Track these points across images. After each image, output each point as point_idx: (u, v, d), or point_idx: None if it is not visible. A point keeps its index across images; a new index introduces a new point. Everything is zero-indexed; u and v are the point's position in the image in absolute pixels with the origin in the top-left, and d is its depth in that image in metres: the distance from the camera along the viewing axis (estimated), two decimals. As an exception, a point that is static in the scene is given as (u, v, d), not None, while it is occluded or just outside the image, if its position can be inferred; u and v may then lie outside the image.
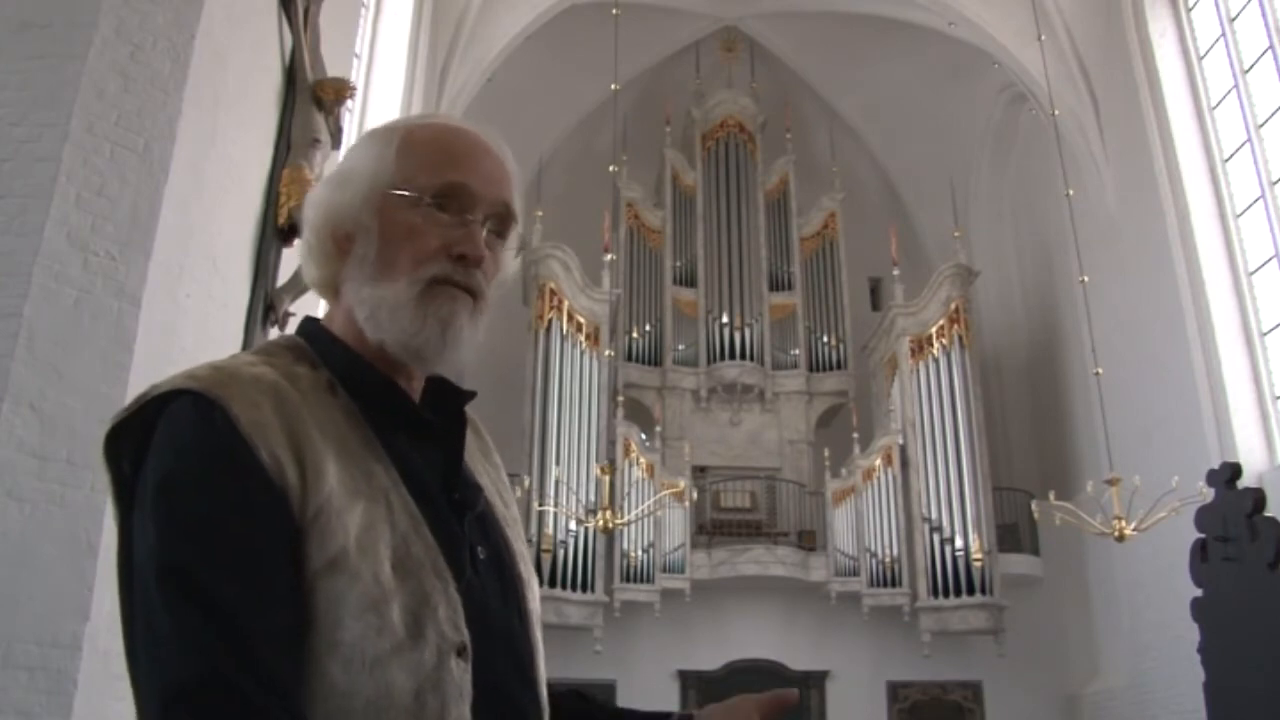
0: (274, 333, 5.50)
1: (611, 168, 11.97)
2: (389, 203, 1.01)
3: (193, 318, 4.71)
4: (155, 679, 0.82)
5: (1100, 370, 9.62)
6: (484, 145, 1.05)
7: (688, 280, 14.48)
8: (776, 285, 14.60)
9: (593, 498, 11.09)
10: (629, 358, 13.85)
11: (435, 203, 1.00)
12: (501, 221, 1.05)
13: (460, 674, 0.91)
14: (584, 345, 12.93)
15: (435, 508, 0.98)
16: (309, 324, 1.06)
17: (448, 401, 1.08)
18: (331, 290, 1.05)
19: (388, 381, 1.02)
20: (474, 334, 1.02)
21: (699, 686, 12.13)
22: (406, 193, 1.00)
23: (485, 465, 1.15)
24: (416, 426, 1.02)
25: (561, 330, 12.83)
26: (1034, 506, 10.90)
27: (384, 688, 0.86)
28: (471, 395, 1.10)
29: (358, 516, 0.90)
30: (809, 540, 12.82)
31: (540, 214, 12.99)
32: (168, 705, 0.80)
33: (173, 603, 0.82)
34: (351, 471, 0.92)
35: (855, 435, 13.26)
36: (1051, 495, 9.82)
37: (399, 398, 1.02)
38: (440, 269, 1.00)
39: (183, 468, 0.86)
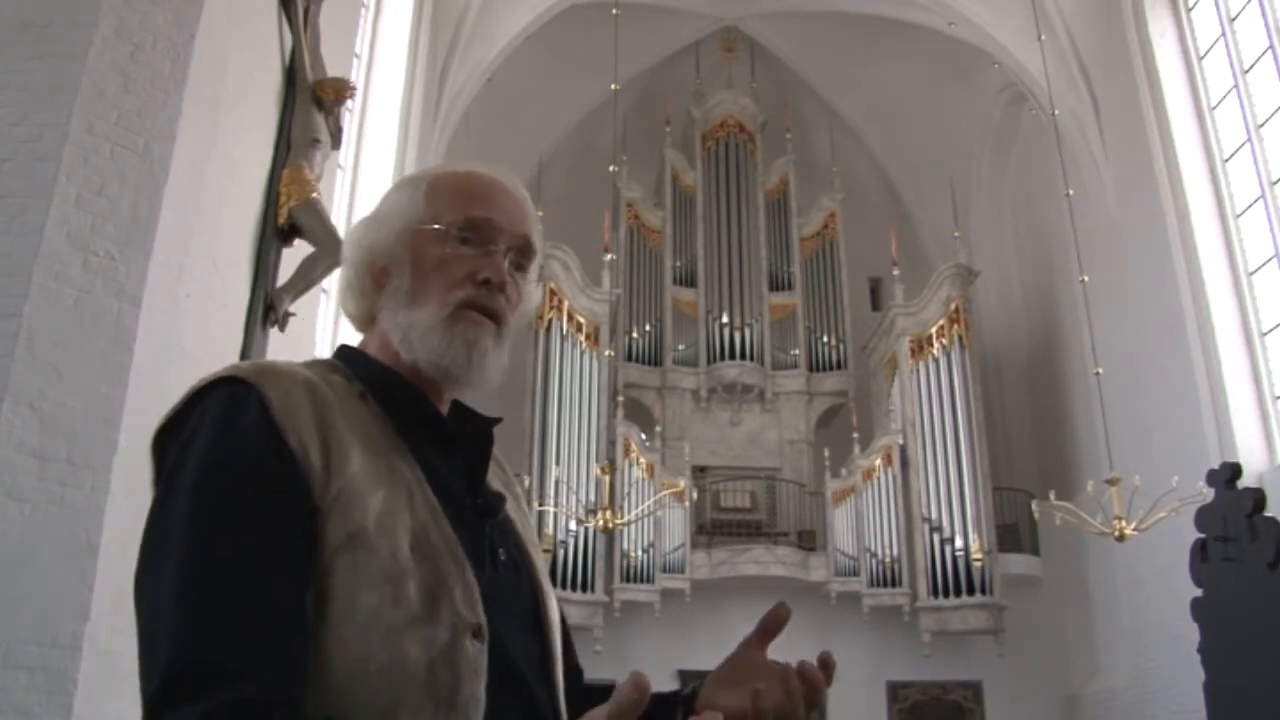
0: (274, 333, 5.50)
1: (611, 168, 11.97)
2: (420, 238, 1.10)
3: (193, 318, 4.71)
4: (153, 657, 0.84)
5: (1100, 370, 9.62)
6: (503, 186, 1.15)
7: (688, 280, 14.48)
8: (776, 285, 14.61)
9: (593, 498, 11.09)
10: (629, 358, 13.85)
11: (461, 236, 1.09)
12: (522, 254, 1.14)
13: (475, 653, 0.94)
14: (584, 345, 12.93)
15: (457, 507, 1.02)
16: (343, 349, 1.14)
17: (473, 423, 1.14)
18: (367, 322, 1.14)
19: (417, 393, 1.08)
20: (499, 356, 1.10)
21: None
22: (435, 227, 1.09)
23: (506, 494, 1.19)
24: (443, 436, 1.08)
25: (561, 330, 12.83)
26: (1034, 506, 10.90)
27: (398, 656, 0.90)
28: (497, 420, 1.15)
29: (378, 501, 0.95)
30: (809, 540, 12.83)
31: (540, 214, 12.95)
32: (165, 685, 0.82)
33: (181, 578, 0.86)
34: (376, 462, 0.98)
35: (855, 435, 13.26)
36: (1051, 495, 9.82)
37: (427, 407, 1.08)
38: (466, 294, 1.08)
39: (212, 448, 0.91)
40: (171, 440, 0.95)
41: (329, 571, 0.91)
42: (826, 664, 0.99)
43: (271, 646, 0.84)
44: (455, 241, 1.09)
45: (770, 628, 1.04)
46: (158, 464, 0.96)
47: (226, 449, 0.91)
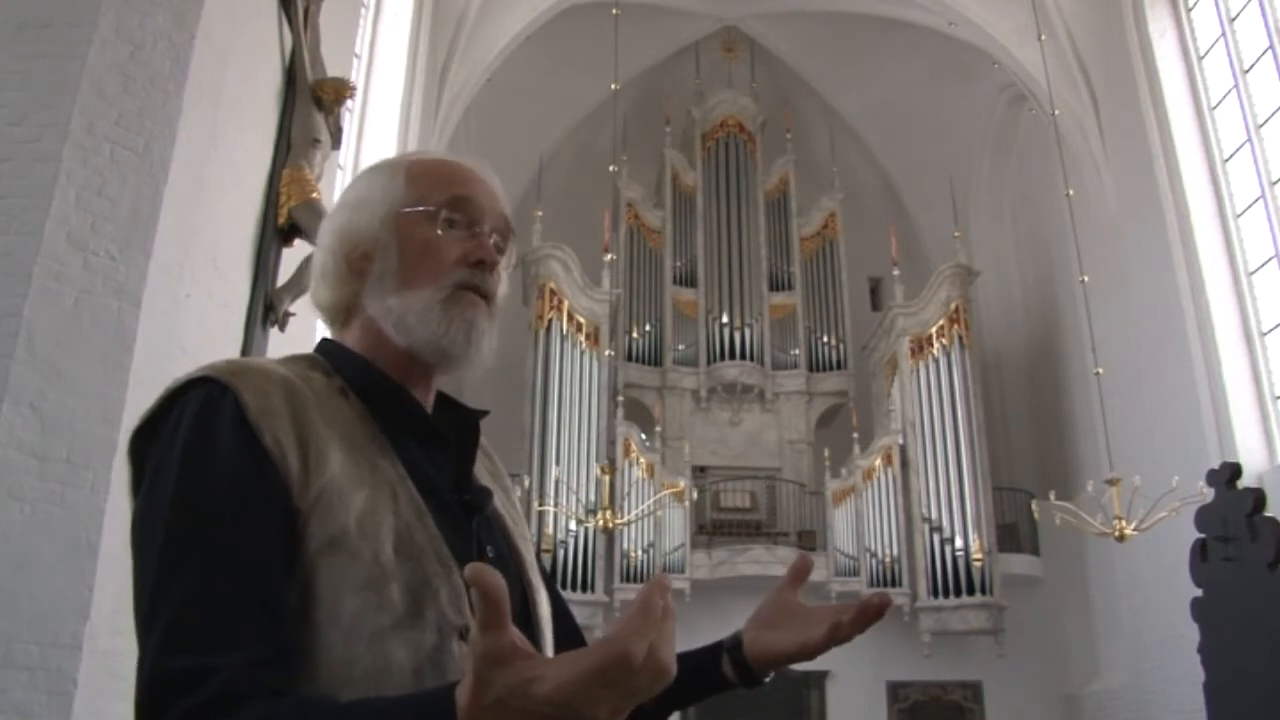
0: (274, 333, 5.50)
1: (611, 168, 11.98)
2: (405, 220, 1.08)
3: (193, 318, 4.71)
4: (142, 663, 0.84)
5: (1100, 370, 9.62)
6: (478, 171, 1.14)
7: (688, 280, 14.48)
8: (776, 285, 14.61)
9: (593, 498, 11.09)
10: (629, 358, 13.85)
11: (447, 218, 1.08)
12: (503, 236, 1.13)
13: (463, 656, 0.92)
14: (584, 345, 12.92)
15: (442, 504, 1.01)
16: (324, 343, 1.12)
17: (459, 416, 1.13)
18: (341, 313, 1.11)
19: (399, 388, 1.06)
20: (492, 337, 1.09)
21: (699, 686, 12.11)
22: (423, 209, 1.08)
23: (495, 487, 1.18)
24: (426, 433, 1.06)
25: (561, 330, 12.82)
26: (1034, 506, 10.90)
27: (383, 661, 0.89)
28: (484, 413, 1.14)
29: (360, 501, 0.93)
30: (809, 540, 12.82)
31: (540, 214, 12.99)
32: (141, 700, 0.82)
33: (153, 589, 0.85)
34: (357, 461, 0.96)
35: (855, 435, 13.26)
36: (1051, 495, 9.82)
37: (409, 403, 1.06)
38: (461, 276, 1.07)
39: (187, 454, 0.90)
40: (148, 444, 0.94)
41: (311, 574, 0.89)
42: (882, 606, 1.10)
43: (241, 645, 0.82)
44: (443, 223, 1.07)
45: (800, 574, 1.21)
46: (136, 468, 0.95)
47: (201, 455, 0.90)
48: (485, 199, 1.10)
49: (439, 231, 1.07)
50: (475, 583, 0.69)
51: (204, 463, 0.89)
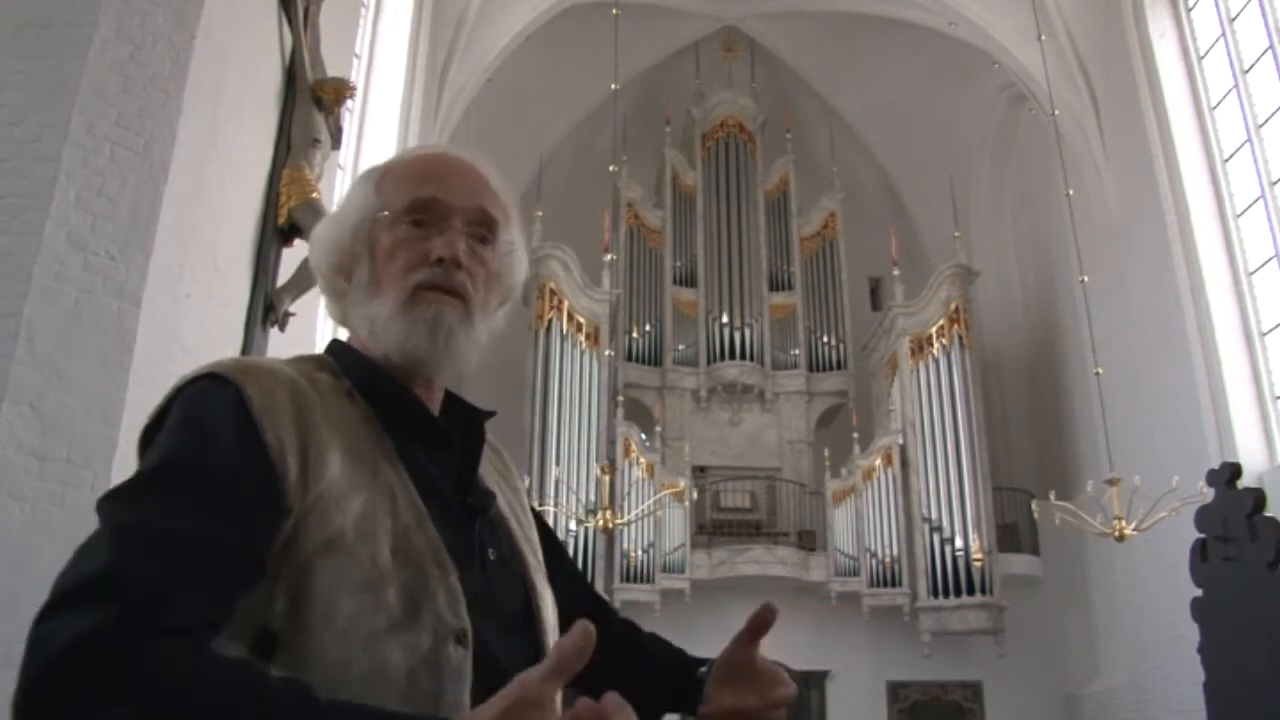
0: (274, 333, 5.50)
1: (611, 168, 11.99)
2: (375, 228, 1.08)
3: (193, 318, 4.71)
4: (61, 575, 0.79)
5: (1100, 370, 9.62)
6: (456, 163, 1.12)
7: (688, 280, 14.48)
8: (776, 285, 14.61)
9: (593, 498, 11.10)
10: (629, 358, 13.85)
11: (412, 219, 1.07)
12: (482, 226, 1.10)
13: (459, 659, 0.92)
14: (584, 345, 12.93)
15: (444, 507, 1.00)
16: (334, 344, 1.12)
17: (466, 417, 1.12)
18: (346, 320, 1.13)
19: (404, 390, 1.06)
20: (469, 335, 1.06)
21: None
22: (384, 214, 1.08)
23: (504, 487, 1.17)
24: (431, 434, 1.06)
25: (561, 330, 12.83)
26: (1034, 506, 10.90)
27: (378, 663, 0.88)
28: (490, 414, 1.14)
29: (358, 505, 0.93)
30: (809, 540, 12.83)
31: (540, 214, 12.99)
32: (59, 597, 0.78)
33: (121, 523, 0.82)
34: (357, 465, 0.96)
35: (855, 435, 13.26)
36: (1051, 495, 9.82)
37: (413, 404, 1.06)
38: (422, 275, 1.05)
39: (186, 434, 0.90)
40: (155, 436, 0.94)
41: (308, 575, 0.88)
42: (767, 621, 1.08)
43: (196, 587, 0.79)
44: (406, 225, 1.06)
45: (758, 628, 1.10)
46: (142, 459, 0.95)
47: (197, 437, 0.89)
48: (454, 195, 1.08)
49: (401, 234, 1.06)
50: (583, 639, 0.73)
51: (198, 446, 0.89)
